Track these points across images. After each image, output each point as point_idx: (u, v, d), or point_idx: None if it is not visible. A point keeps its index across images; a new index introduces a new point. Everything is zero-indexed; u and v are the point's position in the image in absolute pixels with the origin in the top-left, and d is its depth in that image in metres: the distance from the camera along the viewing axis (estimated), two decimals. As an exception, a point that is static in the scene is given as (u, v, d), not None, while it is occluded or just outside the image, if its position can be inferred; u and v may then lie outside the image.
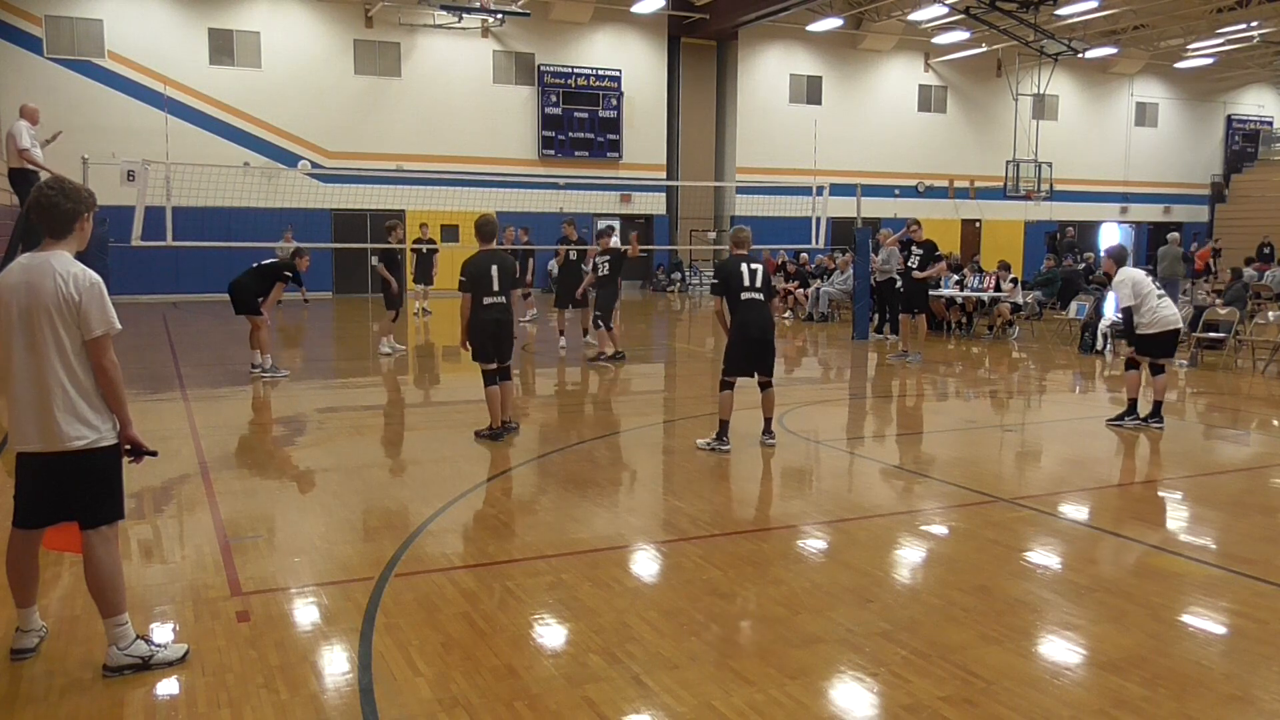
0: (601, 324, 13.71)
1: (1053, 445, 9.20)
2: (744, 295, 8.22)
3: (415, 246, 18.93)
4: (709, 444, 8.29)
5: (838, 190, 19.22)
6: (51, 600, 4.78)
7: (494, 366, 8.62)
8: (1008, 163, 31.90)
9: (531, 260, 18.34)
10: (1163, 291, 9.39)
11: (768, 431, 8.51)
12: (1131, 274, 9.29)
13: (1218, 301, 15.24)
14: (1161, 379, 9.42)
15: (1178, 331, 9.45)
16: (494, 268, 8.49)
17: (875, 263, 16.71)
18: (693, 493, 7.07)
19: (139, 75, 24.51)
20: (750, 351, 8.31)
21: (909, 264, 14.23)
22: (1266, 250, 26.23)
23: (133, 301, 21.47)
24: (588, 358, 13.95)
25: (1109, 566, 5.49)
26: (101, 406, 3.98)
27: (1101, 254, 9.81)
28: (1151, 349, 9.33)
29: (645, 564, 5.60)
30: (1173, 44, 33.79)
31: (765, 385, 8.48)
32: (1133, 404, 9.49)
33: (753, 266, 8.30)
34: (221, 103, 25.38)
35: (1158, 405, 9.40)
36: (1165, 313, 9.23)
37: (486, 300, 8.50)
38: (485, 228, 8.60)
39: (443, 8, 25.89)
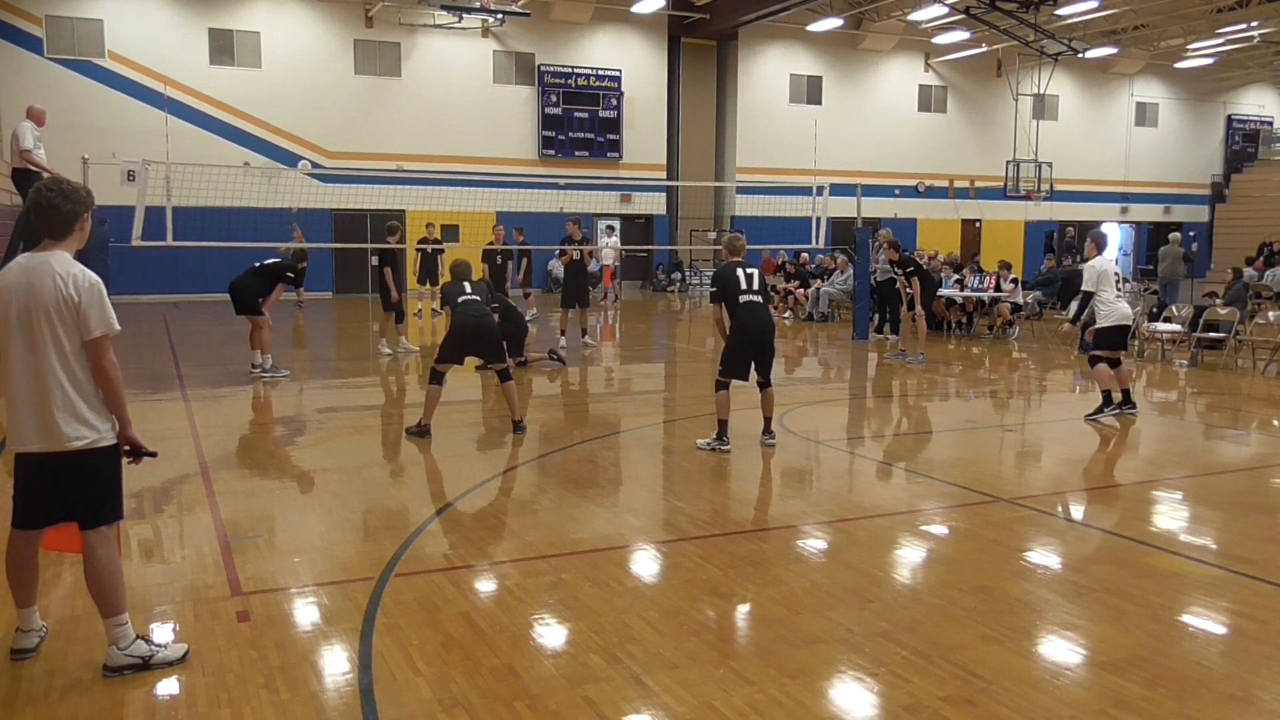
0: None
1: (1053, 445, 9.20)
2: (743, 298, 8.24)
3: (420, 246, 18.87)
4: (709, 444, 8.29)
5: (838, 190, 19.20)
6: (51, 600, 4.78)
7: (448, 368, 8.73)
8: (1008, 163, 31.88)
9: (527, 260, 18.32)
10: (1121, 291, 9.89)
11: (768, 431, 8.51)
12: (1104, 264, 9.80)
13: (1217, 301, 15.24)
14: (1123, 369, 9.91)
15: (1129, 326, 10.22)
16: (465, 284, 8.88)
17: (875, 263, 16.73)
18: (693, 493, 7.07)
19: (139, 75, 24.50)
20: (750, 354, 8.32)
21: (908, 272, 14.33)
22: (1267, 250, 26.18)
23: (133, 301, 21.47)
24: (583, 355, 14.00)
25: (1109, 566, 5.49)
26: (101, 407, 3.98)
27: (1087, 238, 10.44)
28: (1107, 341, 9.83)
29: (645, 564, 5.60)
30: (1173, 44, 33.77)
31: (764, 385, 8.49)
32: (1108, 396, 9.76)
33: (749, 271, 8.36)
34: (221, 103, 25.36)
35: (1126, 393, 9.91)
36: (1121, 307, 9.83)
37: (461, 298, 8.72)
38: (457, 269, 9.04)
39: (443, 8, 25.88)
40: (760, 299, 8.32)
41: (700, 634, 4.49)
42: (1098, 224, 38.06)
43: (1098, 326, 9.84)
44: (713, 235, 31.15)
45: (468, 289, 8.81)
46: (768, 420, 8.54)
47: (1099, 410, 9.75)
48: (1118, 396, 9.82)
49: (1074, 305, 11.33)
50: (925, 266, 15.73)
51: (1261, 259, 22.76)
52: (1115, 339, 9.86)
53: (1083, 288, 9.90)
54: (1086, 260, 10.06)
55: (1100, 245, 10.04)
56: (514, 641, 4.39)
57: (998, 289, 17.81)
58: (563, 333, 15.32)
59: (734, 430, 8.38)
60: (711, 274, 8.97)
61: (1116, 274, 9.83)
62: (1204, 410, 11.34)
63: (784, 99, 32.12)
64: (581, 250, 15.50)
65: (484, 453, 8.46)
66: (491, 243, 17.41)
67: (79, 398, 3.91)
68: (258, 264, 12.16)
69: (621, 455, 8.55)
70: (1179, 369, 13.85)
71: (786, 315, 21.06)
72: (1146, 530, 6.35)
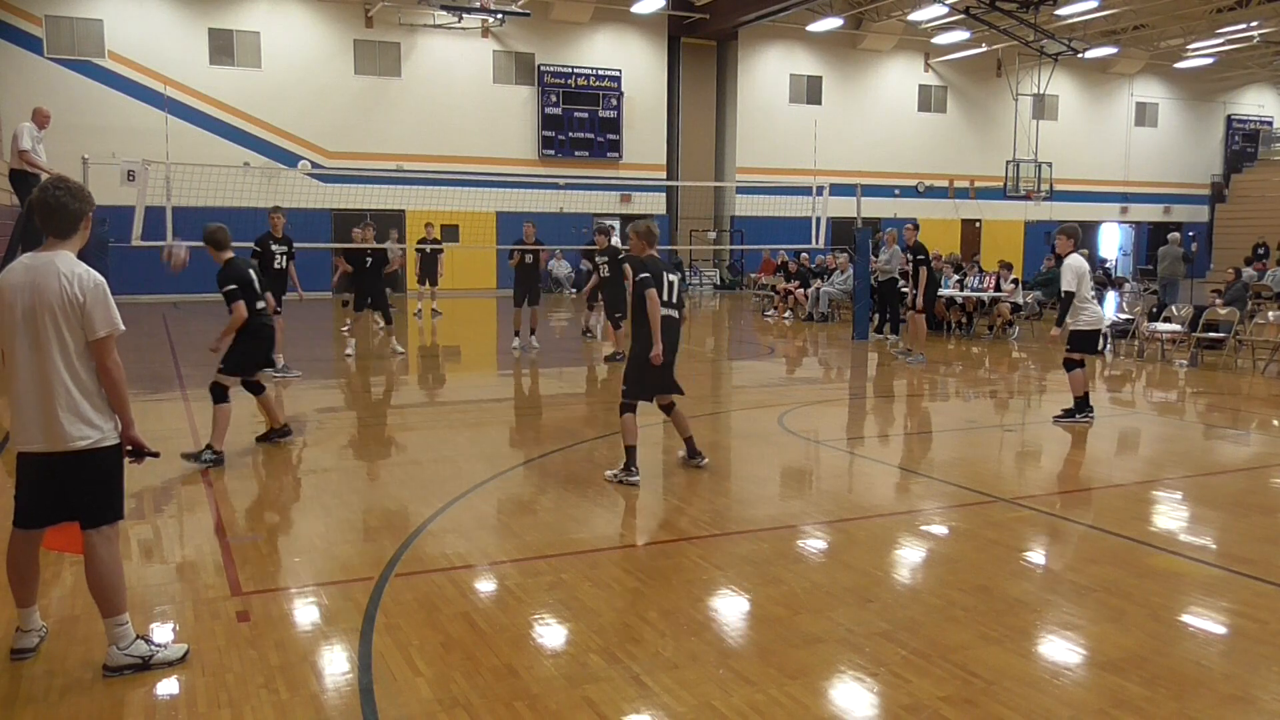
0: (616, 324, 13.79)
1: (1053, 445, 9.20)
2: (663, 310, 7.19)
3: (420, 246, 18.90)
4: (616, 475, 7.22)
5: (838, 190, 19.20)
6: (51, 600, 4.78)
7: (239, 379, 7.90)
8: (1008, 163, 31.89)
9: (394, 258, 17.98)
10: (1095, 292, 9.74)
11: (693, 454, 7.63)
12: (1083, 262, 9.60)
13: (1218, 301, 15.24)
14: (1081, 373, 9.78)
15: (1100, 331, 10.19)
16: (250, 271, 7.97)
17: (876, 263, 16.72)
18: (693, 493, 7.07)
19: (139, 75, 24.50)
20: (657, 372, 7.28)
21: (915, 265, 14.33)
22: (1260, 250, 26.20)
23: (133, 301, 21.45)
24: (604, 356, 13.98)
25: (1109, 566, 5.49)
26: (104, 407, 3.98)
27: (1058, 233, 9.93)
28: (1082, 345, 9.73)
29: (645, 564, 5.60)
30: (1173, 44, 33.78)
31: (669, 407, 7.62)
32: (1080, 400, 9.69)
33: (670, 279, 7.34)
34: (221, 103, 25.37)
35: (1085, 398, 9.80)
36: (1097, 310, 9.83)
37: (259, 305, 7.90)
38: (214, 235, 7.85)
39: (443, 8, 25.88)
40: (676, 314, 7.34)
41: (700, 634, 4.49)
42: (1097, 224, 38.19)
43: (1074, 329, 9.61)
44: (712, 235, 31.15)
45: (257, 285, 7.86)
46: (689, 441, 7.66)
47: (1069, 414, 9.67)
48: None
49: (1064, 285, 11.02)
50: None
51: (1275, 259, 22.79)
52: (1091, 343, 9.81)
53: (1064, 288, 9.49)
54: (1062, 256, 9.59)
55: (1076, 239, 9.56)
56: (514, 641, 4.39)
57: (998, 289, 17.82)
58: (516, 333, 14.98)
59: (739, 431, 8.37)
60: (631, 260, 7.59)
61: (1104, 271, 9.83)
62: (1204, 410, 11.33)
63: (784, 99, 32.13)
64: (534, 253, 14.85)
65: (484, 453, 8.46)
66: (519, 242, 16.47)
67: (82, 397, 3.91)
68: (256, 260, 12.12)
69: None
70: (1179, 369, 13.85)
71: (787, 315, 21.08)
72: (1146, 530, 6.35)
